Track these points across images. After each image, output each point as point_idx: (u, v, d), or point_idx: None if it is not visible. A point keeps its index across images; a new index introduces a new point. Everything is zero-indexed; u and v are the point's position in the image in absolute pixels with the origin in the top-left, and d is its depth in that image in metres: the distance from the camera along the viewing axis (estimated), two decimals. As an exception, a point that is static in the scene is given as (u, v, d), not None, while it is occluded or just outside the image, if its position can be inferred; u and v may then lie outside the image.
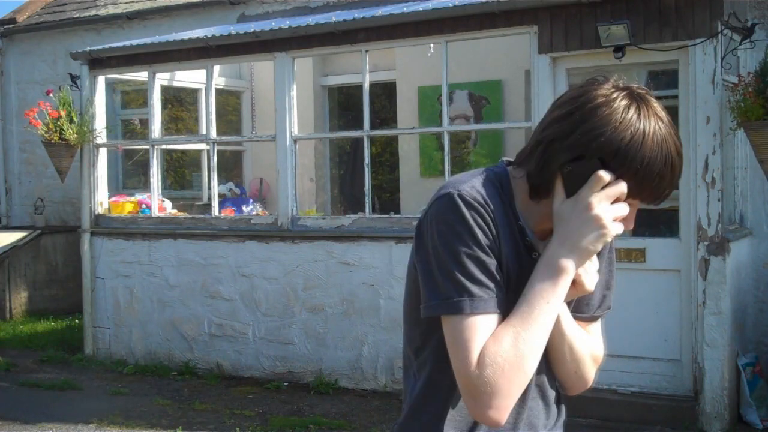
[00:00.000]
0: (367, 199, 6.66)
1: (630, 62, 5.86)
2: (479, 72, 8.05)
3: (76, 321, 9.08)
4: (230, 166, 9.89)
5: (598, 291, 1.65)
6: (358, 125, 6.96)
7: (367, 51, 6.64)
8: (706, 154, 5.40)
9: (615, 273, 1.71)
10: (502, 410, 1.44)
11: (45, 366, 7.62)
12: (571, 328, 1.59)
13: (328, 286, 6.73)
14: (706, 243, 5.41)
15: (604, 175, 1.44)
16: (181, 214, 7.92)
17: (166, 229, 7.53)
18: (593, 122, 1.45)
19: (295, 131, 6.93)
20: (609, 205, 1.46)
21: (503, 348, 1.44)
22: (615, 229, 1.47)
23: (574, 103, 1.49)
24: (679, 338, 5.65)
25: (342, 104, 9.95)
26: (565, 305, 1.56)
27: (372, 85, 6.89)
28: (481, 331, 1.45)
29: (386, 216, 6.66)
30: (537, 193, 1.53)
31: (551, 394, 1.67)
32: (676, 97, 5.84)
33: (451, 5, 6.22)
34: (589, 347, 1.63)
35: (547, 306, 1.47)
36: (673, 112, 6.05)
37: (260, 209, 8.80)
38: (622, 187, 1.45)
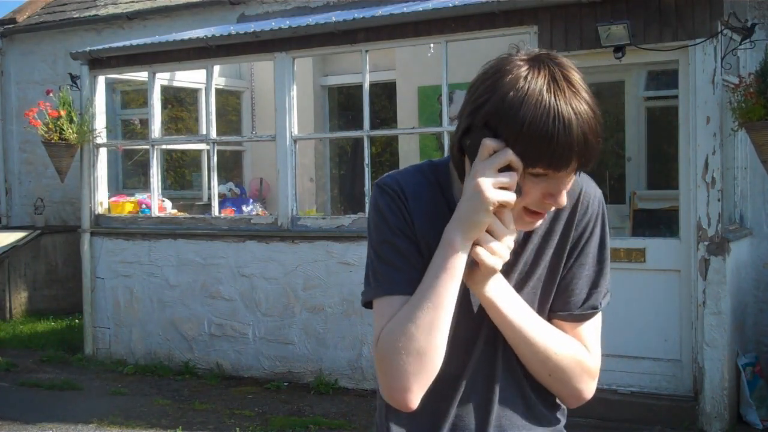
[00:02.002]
0: (367, 199, 6.65)
1: (630, 62, 5.86)
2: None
3: (76, 321, 9.08)
4: (230, 166, 9.89)
5: (580, 288, 1.55)
6: (358, 125, 6.96)
7: (367, 51, 6.64)
8: (706, 154, 5.40)
9: (606, 272, 1.58)
10: (402, 391, 1.42)
11: (45, 366, 7.62)
12: (527, 321, 1.49)
13: (328, 286, 6.73)
14: (706, 243, 5.41)
15: (489, 143, 1.38)
16: (181, 214, 7.92)
17: (166, 229, 7.53)
18: (482, 90, 1.40)
19: (295, 131, 6.93)
20: (492, 173, 1.37)
21: (390, 327, 1.43)
22: (495, 196, 1.36)
23: (477, 78, 1.45)
24: (679, 338, 5.66)
25: (342, 104, 9.95)
26: (510, 293, 1.49)
27: (372, 85, 6.89)
28: (384, 313, 1.46)
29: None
30: (460, 175, 1.48)
31: (534, 396, 1.58)
32: (676, 97, 5.84)
33: (451, 5, 6.22)
34: (569, 351, 1.52)
35: (437, 281, 1.42)
36: (673, 112, 6.07)
37: (260, 209, 8.79)
38: (507, 153, 1.36)
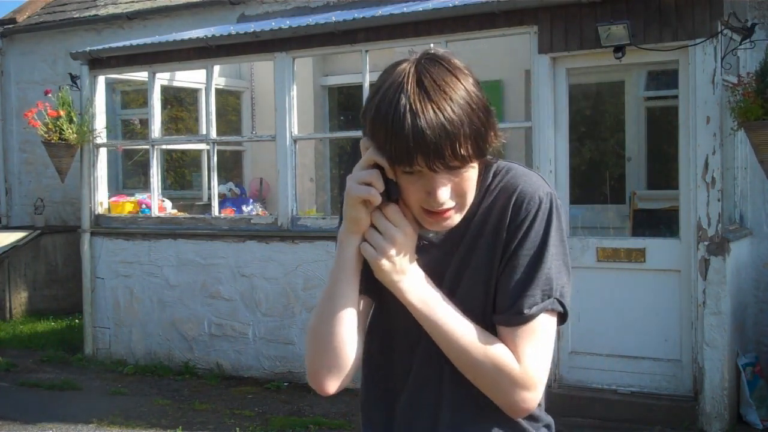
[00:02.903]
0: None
1: (630, 62, 5.86)
2: (479, 72, 7.84)
3: (76, 321, 9.08)
4: (230, 166, 9.88)
5: (508, 292, 1.48)
6: (358, 125, 6.95)
7: (367, 51, 6.64)
8: (706, 154, 5.40)
9: (541, 276, 1.47)
10: (312, 376, 1.53)
11: (45, 366, 7.62)
12: (444, 320, 1.47)
13: (328, 286, 6.72)
14: (706, 243, 5.41)
15: (362, 142, 1.45)
16: (181, 214, 7.92)
17: (166, 229, 7.53)
18: (369, 93, 1.46)
19: (295, 131, 6.93)
20: (358, 170, 1.44)
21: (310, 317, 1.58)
22: (356, 192, 1.43)
23: None
24: (679, 338, 5.65)
25: (342, 104, 9.95)
26: (426, 291, 1.49)
27: (372, 85, 6.88)
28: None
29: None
30: None
31: (487, 402, 1.52)
32: (676, 97, 5.84)
33: (451, 5, 6.22)
34: (490, 357, 1.46)
35: (330, 275, 1.53)
36: (673, 112, 6.07)
37: (260, 209, 8.79)
38: (370, 152, 1.42)
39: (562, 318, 1.52)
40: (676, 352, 5.67)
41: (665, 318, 5.67)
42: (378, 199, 1.44)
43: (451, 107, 1.36)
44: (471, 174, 1.44)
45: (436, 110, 1.35)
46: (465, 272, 1.53)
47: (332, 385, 1.53)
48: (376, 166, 1.43)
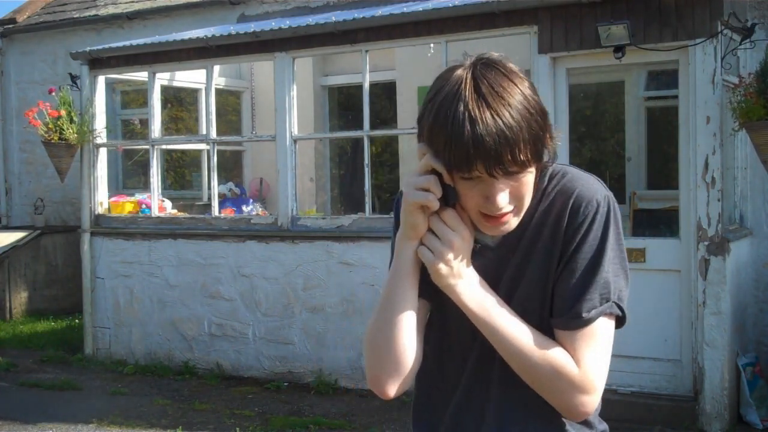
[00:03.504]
0: (367, 199, 6.65)
1: (630, 62, 5.87)
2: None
3: (76, 321, 9.08)
4: (230, 166, 9.88)
5: (567, 295, 1.48)
6: (358, 125, 6.96)
7: (367, 51, 6.64)
8: (706, 154, 5.40)
9: (599, 281, 1.49)
10: (373, 381, 1.57)
11: (45, 366, 7.62)
12: (502, 324, 1.48)
13: (328, 286, 6.73)
14: (706, 243, 5.41)
15: (419, 147, 1.46)
16: (181, 214, 7.92)
17: (166, 229, 7.53)
18: (425, 98, 1.46)
19: (295, 131, 6.93)
20: (415, 176, 1.45)
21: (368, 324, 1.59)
22: (414, 198, 1.44)
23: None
24: (679, 338, 5.65)
25: (342, 104, 9.95)
26: (484, 295, 1.49)
27: (372, 85, 6.89)
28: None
29: (386, 216, 6.66)
30: None
31: (537, 405, 1.53)
32: (676, 97, 5.84)
33: (451, 5, 6.22)
34: (548, 360, 1.46)
35: (387, 281, 1.54)
36: (673, 112, 6.07)
37: (260, 209, 8.79)
38: (427, 157, 1.43)
39: (620, 321, 1.54)
40: (676, 352, 5.67)
41: (665, 318, 5.67)
42: (436, 205, 1.44)
43: (509, 113, 1.36)
44: (529, 178, 1.44)
45: (495, 116, 1.35)
46: (522, 276, 1.53)
47: (393, 389, 1.55)
48: (433, 171, 1.44)
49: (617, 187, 7.98)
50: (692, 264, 5.50)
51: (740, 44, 5.69)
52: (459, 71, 1.41)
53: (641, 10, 5.54)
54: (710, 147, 5.39)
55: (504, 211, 1.43)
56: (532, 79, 5.97)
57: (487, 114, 1.35)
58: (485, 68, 1.40)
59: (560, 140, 1.52)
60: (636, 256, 5.73)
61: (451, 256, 1.46)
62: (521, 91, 1.39)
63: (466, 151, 1.35)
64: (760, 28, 5.92)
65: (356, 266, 6.59)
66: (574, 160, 6.78)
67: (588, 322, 1.47)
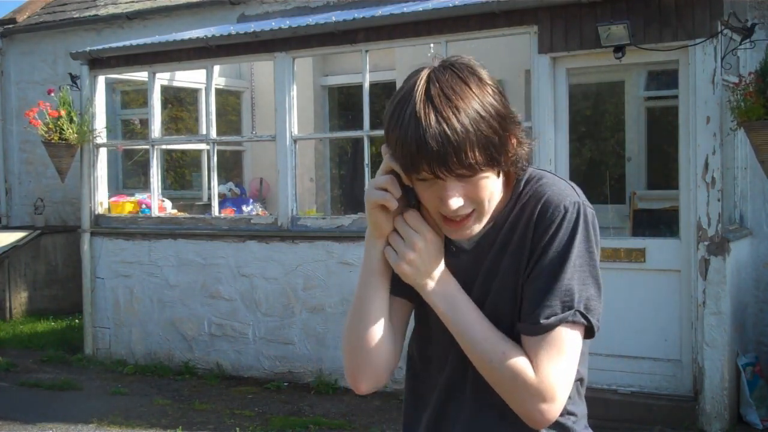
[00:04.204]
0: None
1: (630, 62, 5.86)
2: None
3: (76, 321, 9.08)
4: (230, 166, 9.88)
5: (529, 301, 1.47)
6: (358, 125, 6.96)
7: (367, 51, 6.64)
8: (706, 154, 5.40)
9: (560, 288, 1.45)
10: (348, 376, 1.59)
11: (45, 366, 7.62)
12: (467, 325, 1.48)
13: (328, 286, 6.73)
14: (706, 243, 5.41)
15: (383, 147, 1.48)
16: (181, 214, 7.91)
17: (166, 229, 7.53)
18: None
19: (295, 131, 6.93)
20: (377, 176, 1.50)
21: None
22: (373, 196, 1.48)
23: None
24: (679, 338, 5.65)
25: (342, 104, 9.95)
26: (453, 296, 1.50)
27: (372, 85, 6.89)
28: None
29: None
30: None
31: (509, 408, 1.50)
32: (676, 97, 5.84)
33: (451, 5, 6.22)
34: (509, 365, 1.45)
35: (359, 278, 1.58)
36: (673, 112, 6.07)
37: (260, 209, 8.79)
38: (387, 158, 1.46)
39: (589, 332, 1.50)
40: (676, 352, 5.67)
41: (665, 318, 5.67)
42: (393, 204, 1.47)
43: (455, 116, 1.36)
44: (486, 182, 1.43)
45: (440, 119, 1.36)
46: (493, 280, 1.53)
47: (366, 385, 1.57)
48: (393, 172, 1.46)
49: (617, 187, 7.98)
50: (692, 264, 5.50)
51: (740, 44, 5.69)
52: (421, 73, 1.43)
53: (641, 10, 5.54)
54: (710, 147, 5.39)
55: (460, 213, 1.44)
56: (532, 79, 5.97)
57: (432, 116, 1.36)
58: (442, 71, 1.41)
59: (533, 145, 1.51)
60: (636, 256, 5.73)
61: (414, 256, 1.49)
62: (475, 94, 1.39)
63: (411, 152, 1.38)
64: (760, 28, 5.92)
65: (356, 266, 6.58)
66: (574, 160, 6.78)
67: (547, 328, 1.44)
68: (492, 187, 1.45)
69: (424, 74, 1.42)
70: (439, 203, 1.44)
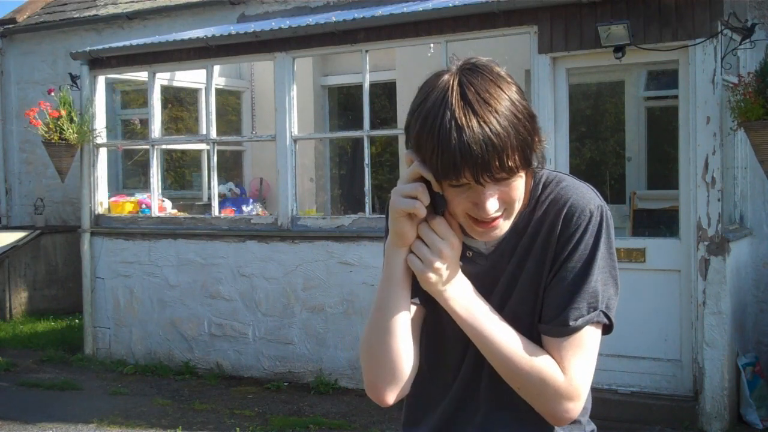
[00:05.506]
0: (367, 199, 6.66)
1: (630, 62, 5.86)
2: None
3: (76, 321, 9.08)
4: (230, 166, 9.88)
5: (554, 303, 1.49)
6: (358, 125, 6.96)
7: (367, 51, 6.64)
8: (706, 154, 5.40)
9: (587, 290, 1.48)
10: (370, 388, 1.54)
11: (45, 366, 7.62)
12: (490, 330, 1.49)
13: (328, 286, 6.73)
14: (706, 243, 5.41)
15: (407, 154, 1.46)
16: (181, 214, 7.91)
17: (166, 229, 7.53)
18: (412, 104, 1.46)
19: (295, 131, 6.93)
20: (403, 183, 1.45)
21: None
22: (399, 205, 1.43)
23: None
24: (679, 338, 5.66)
25: (342, 104, 9.95)
26: (472, 301, 1.50)
27: (372, 85, 6.89)
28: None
29: (386, 216, 6.65)
30: None
31: (525, 409, 1.54)
32: (676, 97, 5.84)
33: (451, 5, 6.22)
34: (535, 366, 1.47)
35: (379, 287, 1.53)
36: (673, 112, 6.07)
37: (260, 209, 8.79)
38: (414, 165, 1.43)
39: (608, 329, 1.54)
40: (676, 352, 5.67)
41: (665, 318, 5.68)
42: (423, 213, 1.44)
43: (496, 119, 1.35)
44: (518, 183, 1.43)
45: (482, 124, 1.34)
46: (516, 283, 1.54)
47: (391, 396, 1.54)
48: (421, 179, 1.43)
49: (617, 187, 7.98)
50: (692, 264, 5.50)
51: (740, 44, 5.69)
52: (445, 77, 1.40)
53: (641, 10, 5.54)
54: (710, 147, 5.39)
55: (494, 216, 1.43)
56: (532, 79, 5.98)
57: (474, 121, 1.34)
58: (471, 74, 1.39)
59: (548, 143, 1.52)
60: (636, 256, 5.73)
61: (440, 264, 1.46)
62: (508, 96, 1.38)
63: (454, 159, 1.35)
64: (760, 28, 5.92)
65: (356, 266, 6.59)
66: (574, 160, 6.78)
67: (575, 330, 1.48)
68: (523, 188, 1.46)
69: (453, 78, 1.39)
70: (471, 207, 1.42)
